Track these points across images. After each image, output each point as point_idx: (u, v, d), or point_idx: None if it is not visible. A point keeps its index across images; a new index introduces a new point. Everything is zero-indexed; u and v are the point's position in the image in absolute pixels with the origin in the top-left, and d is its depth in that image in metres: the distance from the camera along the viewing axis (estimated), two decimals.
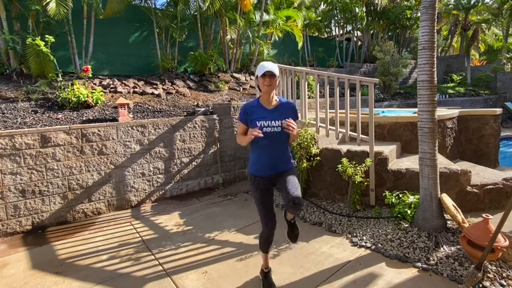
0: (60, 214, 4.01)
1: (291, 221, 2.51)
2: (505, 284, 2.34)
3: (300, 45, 9.45)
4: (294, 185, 2.23)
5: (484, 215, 2.62)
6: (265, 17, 8.62)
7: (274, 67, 2.16)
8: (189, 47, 8.15)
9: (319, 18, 13.39)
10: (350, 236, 3.26)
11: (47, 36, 5.22)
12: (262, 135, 2.12)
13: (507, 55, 15.12)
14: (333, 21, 14.00)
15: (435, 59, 3.06)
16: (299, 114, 2.41)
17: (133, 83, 6.40)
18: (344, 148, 4.02)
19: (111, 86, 5.99)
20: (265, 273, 2.51)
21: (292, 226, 2.50)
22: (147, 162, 4.68)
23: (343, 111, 4.19)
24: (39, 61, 5.24)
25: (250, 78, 8.24)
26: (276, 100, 2.28)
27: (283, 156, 2.29)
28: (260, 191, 2.30)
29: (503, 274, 2.44)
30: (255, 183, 2.32)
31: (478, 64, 18.61)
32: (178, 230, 3.70)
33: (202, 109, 5.48)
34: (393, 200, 3.50)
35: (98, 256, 3.12)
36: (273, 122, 2.18)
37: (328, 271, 2.67)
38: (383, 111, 6.66)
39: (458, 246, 2.84)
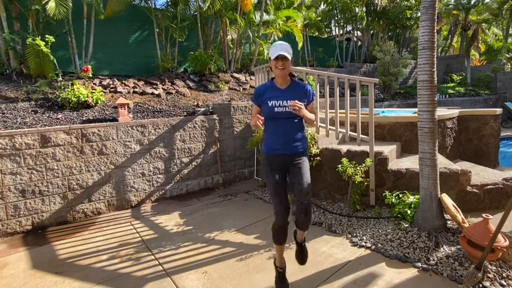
0: (60, 214, 4.01)
1: (301, 244, 2.48)
2: (505, 284, 2.34)
3: (300, 45, 9.45)
4: (305, 186, 2.17)
5: (484, 215, 2.61)
6: (265, 17, 8.62)
7: (286, 49, 2.09)
8: (189, 47, 8.14)
9: (319, 18, 13.40)
10: (350, 236, 3.26)
11: (47, 36, 5.22)
12: (261, 125, 2.08)
13: (507, 55, 15.11)
14: (333, 21, 14.01)
15: (435, 59, 3.06)
16: (315, 98, 2.36)
17: (134, 83, 6.40)
18: (344, 148, 4.02)
19: (111, 86, 5.99)
20: (280, 273, 2.40)
21: (301, 247, 2.48)
22: (147, 162, 4.68)
23: (343, 111, 4.18)
24: (39, 61, 5.24)
25: (250, 78, 8.24)
26: (289, 80, 2.24)
27: (295, 136, 2.22)
28: (273, 172, 2.22)
29: (503, 274, 2.44)
30: (268, 163, 2.26)
31: (478, 64, 18.60)
32: (178, 230, 3.70)
33: (202, 109, 5.48)
34: (393, 200, 3.50)
35: (98, 256, 3.12)
36: (284, 101, 2.13)
37: (328, 271, 2.67)
38: (383, 111, 6.66)
39: (458, 246, 2.84)
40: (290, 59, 2.12)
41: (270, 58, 2.16)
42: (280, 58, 2.08)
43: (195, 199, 4.83)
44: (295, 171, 2.23)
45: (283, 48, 2.09)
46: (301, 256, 2.50)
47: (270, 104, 2.16)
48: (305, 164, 2.27)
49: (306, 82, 4.71)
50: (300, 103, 2.05)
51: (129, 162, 4.51)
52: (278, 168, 2.24)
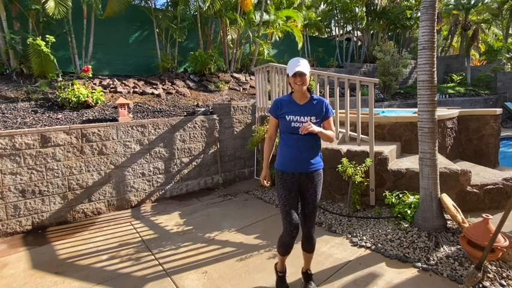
0: (60, 214, 4.01)
1: (307, 272, 2.47)
2: (505, 284, 2.34)
3: (300, 45, 9.45)
4: (312, 214, 2.27)
5: (484, 215, 2.61)
6: (266, 17, 8.62)
7: (303, 65, 2.12)
8: (189, 47, 8.15)
9: (319, 18, 13.40)
10: (350, 236, 3.26)
11: (47, 36, 5.22)
12: (268, 185, 2.36)
13: (507, 55, 15.11)
14: (333, 21, 14.01)
15: (435, 59, 3.06)
16: (333, 112, 2.41)
17: (134, 83, 6.40)
18: (344, 148, 4.02)
19: (111, 86, 5.99)
20: (280, 277, 2.46)
21: (307, 280, 2.44)
22: (147, 162, 4.67)
23: (343, 111, 4.18)
24: (40, 61, 5.24)
25: (250, 78, 8.24)
26: (307, 96, 2.26)
27: (311, 152, 2.21)
28: (286, 190, 2.21)
29: (503, 274, 2.44)
30: (281, 181, 2.24)
31: (478, 64, 18.60)
32: (178, 230, 3.70)
33: (202, 109, 5.48)
34: (393, 200, 3.50)
35: (98, 256, 3.12)
36: (301, 117, 2.16)
37: (328, 271, 2.67)
38: (383, 111, 6.66)
39: (458, 246, 2.84)
40: (308, 74, 2.15)
41: (288, 75, 2.17)
42: (298, 74, 2.12)
43: (195, 199, 4.83)
44: (307, 191, 2.25)
45: (300, 65, 2.11)
46: None
47: (287, 119, 2.18)
48: (319, 184, 2.28)
49: None
50: (311, 125, 2.06)
51: (129, 162, 4.51)
52: (292, 186, 2.23)
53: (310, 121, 2.14)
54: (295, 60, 2.15)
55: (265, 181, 2.40)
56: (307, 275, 2.48)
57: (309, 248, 2.36)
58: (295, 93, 2.25)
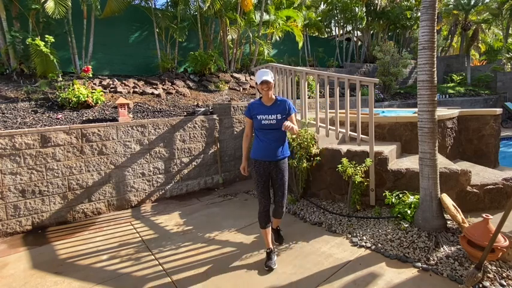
0: (60, 214, 4.01)
1: (277, 229, 3.18)
2: (505, 284, 2.34)
3: (300, 45, 9.46)
4: (282, 196, 2.85)
5: (484, 215, 2.62)
6: (266, 17, 8.62)
7: (268, 75, 2.67)
8: (189, 47, 8.15)
9: (319, 18, 13.39)
10: (350, 236, 3.26)
11: (46, 36, 5.21)
12: (246, 174, 2.94)
13: (507, 55, 15.10)
14: (333, 21, 14.00)
15: (435, 59, 3.07)
16: (295, 109, 2.95)
17: (133, 83, 6.40)
18: (344, 148, 4.02)
19: (111, 86, 5.99)
20: (268, 253, 2.83)
21: (278, 234, 3.21)
22: (147, 162, 4.67)
23: (343, 111, 4.18)
24: (42, 61, 5.23)
25: (250, 78, 8.24)
26: (273, 98, 2.81)
27: (277, 144, 2.77)
28: (258, 174, 2.80)
29: (503, 274, 2.44)
30: (255, 166, 2.81)
31: (478, 64, 18.59)
32: (178, 230, 3.70)
33: (202, 109, 5.48)
34: (393, 200, 3.50)
35: (98, 256, 3.12)
36: (269, 116, 2.74)
37: (328, 271, 2.67)
38: (383, 111, 6.66)
39: (458, 246, 2.84)
40: (272, 82, 2.70)
41: (256, 83, 2.73)
42: (265, 83, 2.66)
43: (195, 199, 4.83)
44: (277, 177, 2.81)
45: (266, 75, 2.66)
46: (279, 240, 3.21)
47: (258, 118, 2.76)
48: (285, 169, 2.84)
49: (306, 82, 4.72)
50: (288, 123, 2.53)
51: (129, 162, 4.51)
52: (263, 171, 2.80)
53: (277, 118, 2.69)
54: (261, 71, 2.70)
55: (243, 170, 2.92)
56: (276, 230, 3.18)
57: (276, 217, 3.03)
58: (263, 98, 2.80)
